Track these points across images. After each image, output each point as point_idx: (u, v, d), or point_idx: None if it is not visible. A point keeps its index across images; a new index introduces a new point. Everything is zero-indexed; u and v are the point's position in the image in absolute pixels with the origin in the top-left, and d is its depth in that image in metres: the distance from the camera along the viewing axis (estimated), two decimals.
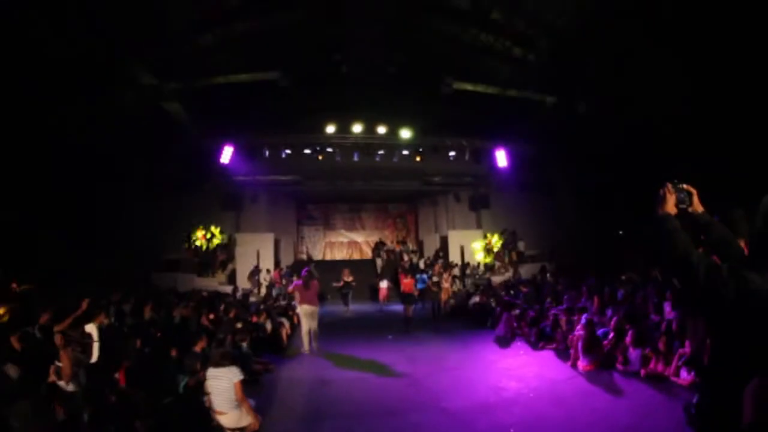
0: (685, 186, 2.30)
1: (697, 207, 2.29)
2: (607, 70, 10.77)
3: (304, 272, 10.08)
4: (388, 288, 16.57)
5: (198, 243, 16.69)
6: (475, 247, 18.90)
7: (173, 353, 5.71)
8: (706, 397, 2.23)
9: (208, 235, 16.79)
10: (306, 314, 9.32)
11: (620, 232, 15.60)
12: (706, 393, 2.24)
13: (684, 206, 2.27)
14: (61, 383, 4.47)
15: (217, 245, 17.05)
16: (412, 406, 5.83)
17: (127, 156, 12.77)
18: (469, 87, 13.20)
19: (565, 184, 17.66)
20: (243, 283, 16.40)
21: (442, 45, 12.33)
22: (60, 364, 4.52)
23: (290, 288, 11.00)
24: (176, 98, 12.28)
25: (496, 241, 19.20)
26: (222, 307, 10.70)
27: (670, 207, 2.22)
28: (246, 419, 4.73)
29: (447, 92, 13.14)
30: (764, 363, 1.74)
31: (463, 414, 5.52)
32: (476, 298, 13.19)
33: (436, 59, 12.90)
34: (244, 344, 7.73)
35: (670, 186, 2.28)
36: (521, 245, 19.22)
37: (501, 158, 17.06)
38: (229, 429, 4.68)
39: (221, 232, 17.42)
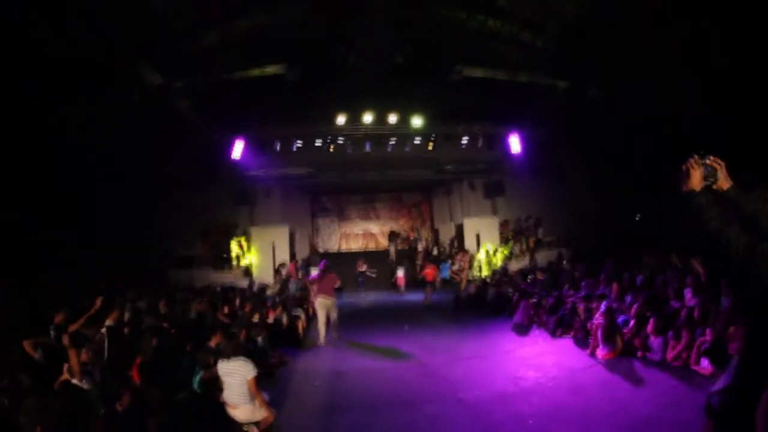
0: (710, 159, 2.18)
1: (724, 182, 2.17)
2: (615, 54, 10.46)
3: (321, 265, 10.12)
4: (405, 276, 16.61)
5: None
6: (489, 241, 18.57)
7: (188, 348, 5.72)
8: (730, 390, 2.11)
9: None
10: (322, 306, 9.35)
11: (637, 217, 15.27)
12: (730, 385, 2.13)
13: (710, 181, 2.16)
14: (75, 381, 4.51)
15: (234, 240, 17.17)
16: (428, 398, 5.79)
17: (136, 155, 12.86)
18: (478, 73, 12.97)
19: (579, 168, 17.34)
20: (259, 276, 16.46)
21: (449, 32, 12.08)
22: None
23: (308, 279, 11.00)
24: (184, 96, 12.30)
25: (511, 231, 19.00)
26: (237, 302, 10.76)
27: (696, 182, 2.12)
28: (260, 413, 4.70)
29: (456, 79, 12.94)
30: None
31: (481, 405, 5.46)
32: (493, 290, 13.02)
33: (443, 47, 12.67)
34: (260, 338, 7.79)
35: (694, 160, 2.17)
36: (540, 232, 18.95)
37: (515, 144, 16.78)
38: (243, 423, 4.66)
39: (236, 226, 17.47)
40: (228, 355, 4.77)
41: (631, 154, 12.85)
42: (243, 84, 12.43)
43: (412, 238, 22.10)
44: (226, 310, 9.43)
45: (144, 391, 4.78)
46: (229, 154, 14.91)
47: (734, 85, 8.69)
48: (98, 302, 6.02)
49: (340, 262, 20.00)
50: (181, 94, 12.10)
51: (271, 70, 12.00)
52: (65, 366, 4.58)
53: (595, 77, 11.76)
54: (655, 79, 10.35)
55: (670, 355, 6.10)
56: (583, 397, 4.89)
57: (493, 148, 17.31)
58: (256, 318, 8.96)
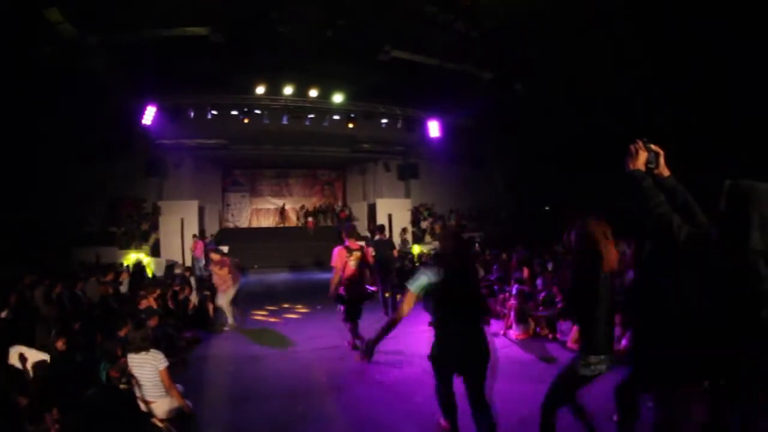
0: (653, 146, 2.30)
1: (663, 170, 2.31)
2: (546, 52, 11.02)
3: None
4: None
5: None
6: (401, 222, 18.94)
7: (91, 339, 5.10)
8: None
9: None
10: (222, 290, 8.95)
11: (546, 207, 16.47)
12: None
13: (651, 166, 2.28)
14: None
15: (142, 215, 15.76)
16: (347, 382, 5.70)
17: (39, 116, 11.14)
18: (407, 56, 12.99)
19: (496, 158, 18.24)
20: (167, 254, 15.37)
21: (384, 11, 11.89)
22: None
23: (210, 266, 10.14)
24: (99, 53, 10.85)
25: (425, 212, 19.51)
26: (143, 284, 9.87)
27: (641, 164, 2.24)
28: (177, 407, 4.37)
29: (384, 59, 12.86)
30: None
31: (400, 386, 5.47)
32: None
33: (376, 25, 12.45)
34: (167, 323, 7.23)
35: (641, 143, 2.28)
36: (452, 216, 19.66)
37: (433, 129, 17.16)
38: (160, 419, 4.30)
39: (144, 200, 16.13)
40: (137, 348, 4.34)
41: (548, 148, 13.73)
42: (161, 44, 11.28)
43: (343, 216, 21.92)
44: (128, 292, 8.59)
45: (43, 391, 4.18)
46: (140, 120, 13.50)
47: (658, 84, 9.57)
48: None
49: (251, 239, 19.35)
50: (95, 51, 10.63)
51: (194, 31, 10.98)
52: None
53: (522, 72, 12.30)
54: (581, 79, 11.05)
55: (575, 335, 6.64)
56: (498, 376, 5.13)
57: (412, 131, 17.57)
58: (151, 301, 8.26)
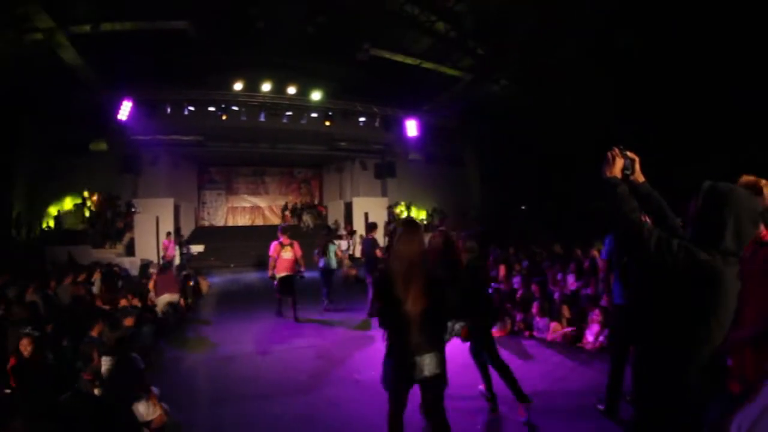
0: (629, 153, 2.35)
1: (639, 176, 2.35)
2: (525, 55, 11.16)
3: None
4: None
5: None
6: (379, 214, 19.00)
7: (65, 342, 4.94)
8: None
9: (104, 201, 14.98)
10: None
11: (522, 207, 16.73)
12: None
13: (628, 173, 2.33)
14: None
15: (116, 213, 15.31)
16: (324, 381, 5.68)
17: (13, 111, 10.71)
18: (386, 55, 12.98)
19: (473, 158, 18.41)
20: (142, 253, 14.99)
21: (365, 10, 11.85)
22: None
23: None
24: (74, 45, 10.49)
25: (401, 212, 19.54)
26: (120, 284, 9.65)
27: (617, 171, 2.29)
28: (153, 411, 4.26)
29: (363, 58, 12.81)
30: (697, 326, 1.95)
31: (377, 385, 5.44)
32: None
33: (356, 24, 12.41)
34: (144, 323, 7.06)
35: (617, 150, 2.32)
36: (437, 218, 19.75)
37: (411, 128, 17.20)
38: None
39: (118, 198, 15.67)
40: (112, 349, 4.22)
41: (525, 149, 13.92)
42: (139, 38, 10.96)
43: (324, 213, 21.87)
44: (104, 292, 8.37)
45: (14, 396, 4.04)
46: (116, 115, 13.11)
47: (638, 89, 9.78)
48: None
49: (228, 238, 19.07)
50: (71, 41, 10.26)
51: (172, 25, 10.73)
52: None
53: (501, 74, 12.42)
54: (561, 83, 11.23)
55: (554, 334, 6.80)
56: (476, 373, 5.15)
57: (390, 130, 17.58)
58: (136, 301, 8.08)
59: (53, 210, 14.76)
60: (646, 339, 2.20)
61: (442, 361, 3.04)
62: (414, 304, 2.91)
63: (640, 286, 2.31)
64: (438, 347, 3.05)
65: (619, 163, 2.29)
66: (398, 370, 3.04)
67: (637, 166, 2.34)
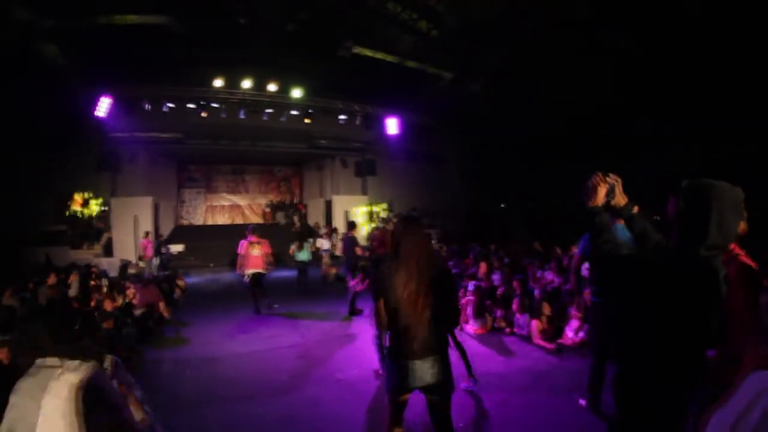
0: (610, 177, 2.33)
1: (620, 199, 2.31)
2: (506, 54, 11.25)
3: None
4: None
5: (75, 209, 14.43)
6: (358, 213, 19.01)
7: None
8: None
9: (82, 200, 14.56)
10: None
11: (502, 205, 16.92)
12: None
13: (610, 197, 2.31)
14: None
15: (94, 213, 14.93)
16: (307, 380, 5.68)
17: None
18: (368, 53, 12.96)
19: (453, 156, 18.51)
20: (121, 254, 14.68)
21: (347, 7, 11.79)
22: None
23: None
24: (52, 39, 10.15)
25: (381, 210, 19.55)
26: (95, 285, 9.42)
27: (600, 199, 2.29)
28: (135, 414, 4.18)
29: (345, 55, 12.78)
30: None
31: (359, 384, 5.50)
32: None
33: (338, 21, 12.35)
34: (124, 325, 6.95)
35: (599, 177, 2.31)
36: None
37: (392, 126, 17.23)
38: None
39: (95, 197, 15.26)
40: (92, 353, 4.12)
41: (505, 147, 14.06)
42: (118, 32, 10.67)
43: (303, 211, 21.69)
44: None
45: None
46: (93, 111, 12.77)
47: (620, 90, 9.93)
48: None
49: (207, 237, 18.80)
50: (48, 36, 9.93)
51: (152, 19, 10.47)
52: None
53: (482, 72, 12.50)
54: (540, 79, 11.34)
55: (535, 329, 6.89)
56: (458, 370, 5.21)
57: (370, 128, 17.58)
58: (116, 302, 7.91)
59: (30, 210, 14.28)
60: (627, 356, 2.25)
61: (446, 366, 2.86)
62: (416, 304, 2.78)
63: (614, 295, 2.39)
64: (441, 351, 2.87)
65: (602, 191, 2.28)
66: (397, 374, 2.85)
67: (618, 189, 2.32)
